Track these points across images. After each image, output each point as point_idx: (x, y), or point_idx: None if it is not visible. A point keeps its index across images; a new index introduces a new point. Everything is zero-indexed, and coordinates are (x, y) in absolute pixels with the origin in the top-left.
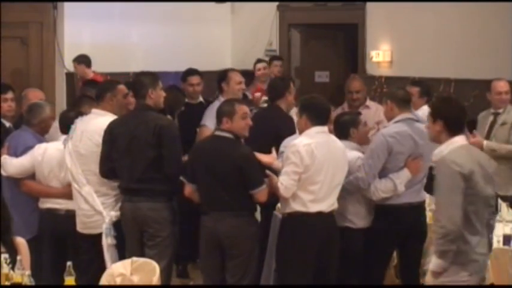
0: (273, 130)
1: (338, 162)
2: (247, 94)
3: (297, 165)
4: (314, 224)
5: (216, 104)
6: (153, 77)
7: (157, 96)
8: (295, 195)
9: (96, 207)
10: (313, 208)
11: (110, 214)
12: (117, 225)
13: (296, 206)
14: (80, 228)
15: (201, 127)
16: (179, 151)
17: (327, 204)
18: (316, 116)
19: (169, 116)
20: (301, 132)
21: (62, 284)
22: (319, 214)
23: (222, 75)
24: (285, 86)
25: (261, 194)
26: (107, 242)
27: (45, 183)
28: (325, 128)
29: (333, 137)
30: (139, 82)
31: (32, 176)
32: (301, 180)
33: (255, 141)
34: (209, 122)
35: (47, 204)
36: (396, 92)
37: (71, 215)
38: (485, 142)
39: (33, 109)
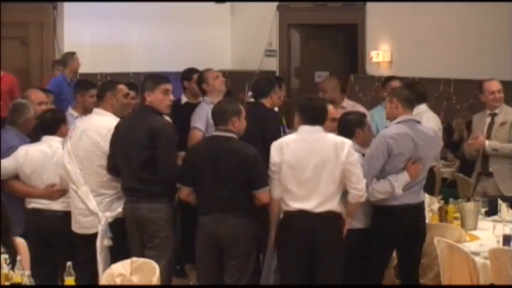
0: (259, 126)
1: (325, 160)
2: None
3: (272, 165)
4: (297, 223)
5: (203, 106)
6: (154, 80)
7: (155, 99)
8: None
9: (91, 209)
10: (293, 206)
11: (106, 215)
12: (115, 225)
13: (283, 205)
14: (75, 228)
15: (192, 130)
16: (173, 154)
17: (312, 203)
18: (306, 115)
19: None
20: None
21: (57, 283)
22: (302, 213)
23: (199, 79)
24: (270, 87)
25: (264, 194)
26: (103, 243)
27: (28, 184)
28: (315, 128)
29: (326, 136)
30: (142, 83)
31: (16, 176)
32: (280, 179)
33: (244, 138)
34: (200, 124)
35: (31, 204)
36: (402, 91)
37: (54, 216)
38: (487, 142)
39: (18, 108)
